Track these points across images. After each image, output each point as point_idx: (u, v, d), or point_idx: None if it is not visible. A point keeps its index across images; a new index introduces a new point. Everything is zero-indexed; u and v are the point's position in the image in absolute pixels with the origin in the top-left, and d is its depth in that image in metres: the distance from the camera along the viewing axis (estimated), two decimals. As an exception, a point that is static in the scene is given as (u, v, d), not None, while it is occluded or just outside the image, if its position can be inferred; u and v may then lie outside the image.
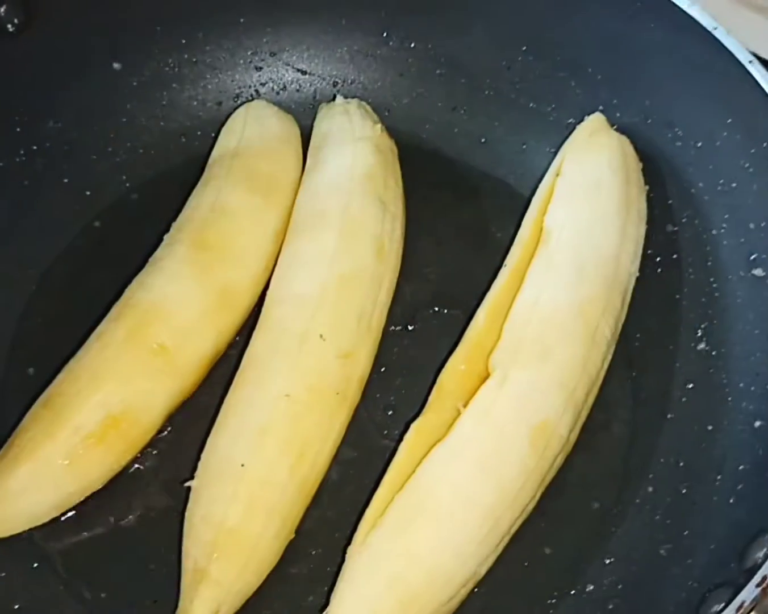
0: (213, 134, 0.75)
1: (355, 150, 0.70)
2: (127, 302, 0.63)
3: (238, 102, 0.77)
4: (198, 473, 0.59)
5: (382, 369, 0.66)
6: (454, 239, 0.73)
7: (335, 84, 0.78)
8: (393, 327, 0.68)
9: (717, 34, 0.65)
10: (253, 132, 0.72)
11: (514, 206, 0.72)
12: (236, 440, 0.59)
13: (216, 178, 0.69)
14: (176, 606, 0.56)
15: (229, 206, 0.67)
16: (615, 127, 0.71)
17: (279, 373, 0.60)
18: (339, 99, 0.75)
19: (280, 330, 0.62)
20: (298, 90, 0.78)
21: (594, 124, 0.71)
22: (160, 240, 0.67)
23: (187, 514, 0.58)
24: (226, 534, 0.56)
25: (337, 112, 0.73)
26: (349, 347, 0.62)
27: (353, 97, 0.75)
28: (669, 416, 0.64)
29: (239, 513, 0.57)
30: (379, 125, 0.72)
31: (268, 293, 0.66)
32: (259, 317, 0.65)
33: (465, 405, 0.59)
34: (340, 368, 0.62)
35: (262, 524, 0.57)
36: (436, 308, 0.69)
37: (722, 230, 0.66)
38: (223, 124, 0.74)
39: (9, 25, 0.69)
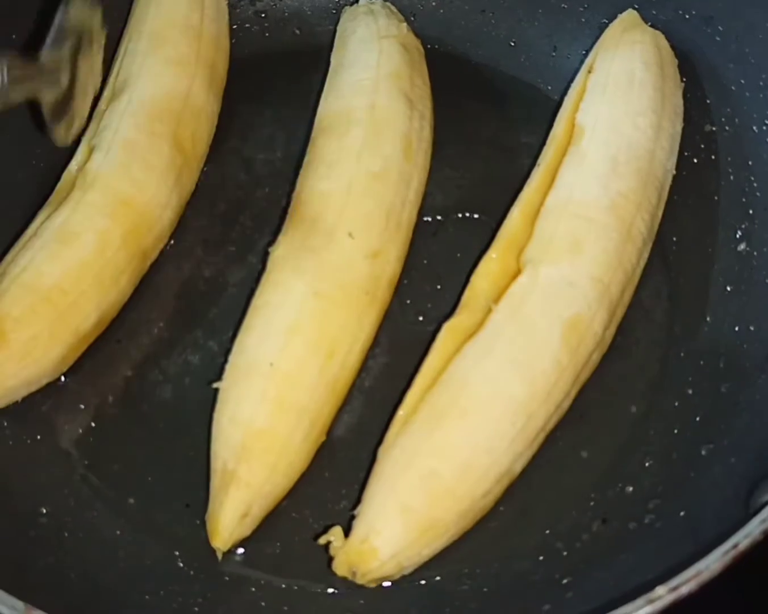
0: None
1: (380, 48, 0.68)
2: None
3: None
4: (225, 374, 0.58)
5: (413, 273, 0.64)
6: (483, 145, 0.71)
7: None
8: (423, 232, 0.66)
9: None
10: None
11: (545, 110, 0.70)
12: (264, 340, 0.58)
13: None
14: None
15: None
16: (649, 24, 0.68)
17: (307, 271, 0.59)
18: (363, 0, 0.73)
19: (307, 229, 0.61)
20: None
21: (627, 20, 0.69)
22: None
23: (215, 416, 0.57)
24: (254, 435, 0.55)
25: (360, 13, 0.71)
26: (378, 246, 0.61)
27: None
28: (708, 318, 0.63)
29: (268, 413, 0.56)
30: (404, 24, 0.70)
31: (295, 193, 0.64)
32: (286, 217, 0.63)
33: (497, 303, 0.58)
34: (369, 268, 0.60)
35: (292, 425, 0.56)
36: (466, 213, 0.68)
37: (764, 128, 0.64)
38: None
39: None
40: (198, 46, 0.67)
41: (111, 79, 0.66)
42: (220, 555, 0.55)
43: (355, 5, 0.73)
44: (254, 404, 0.56)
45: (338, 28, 0.72)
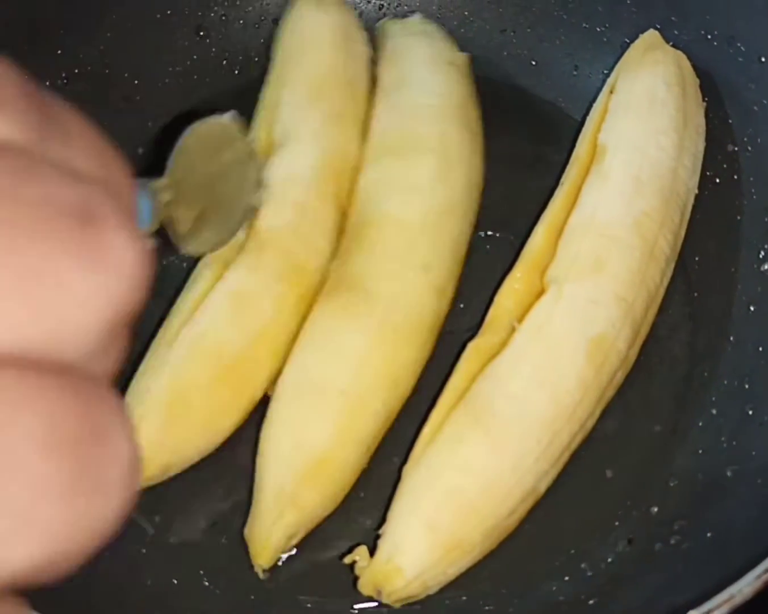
0: (257, 59, 0.73)
1: (448, 76, 0.67)
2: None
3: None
4: (281, 389, 0.57)
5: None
6: (505, 164, 0.70)
7: (380, 7, 0.76)
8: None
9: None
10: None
11: (567, 129, 0.70)
12: (332, 365, 0.57)
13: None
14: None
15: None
16: (671, 44, 0.68)
17: (382, 299, 0.58)
18: (417, 16, 0.72)
19: (381, 254, 0.60)
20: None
21: (648, 40, 0.69)
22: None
23: (270, 431, 0.56)
24: (318, 463, 0.55)
25: (416, 31, 0.70)
26: (446, 283, 0.61)
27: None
28: (731, 338, 0.63)
29: (334, 441, 0.55)
30: (466, 54, 0.70)
31: (356, 211, 0.63)
32: (347, 232, 0.62)
33: (520, 322, 0.58)
34: (437, 303, 0.60)
35: (354, 454, 0.56)
36: (489, 232, 0.68)
37: (786, 148, 0.64)
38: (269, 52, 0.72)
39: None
40: (353, 100, 0.66)
41: (263, 127, 0.65)
42: (262, 573, 0.55)
43: (404, 21, 0.72)
44: (322, 432, 0.55)
45: (385, 40, 0.71)
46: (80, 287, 0.18)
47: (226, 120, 0.38)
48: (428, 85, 0.66)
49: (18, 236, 0.17)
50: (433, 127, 0.64)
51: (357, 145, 0.65)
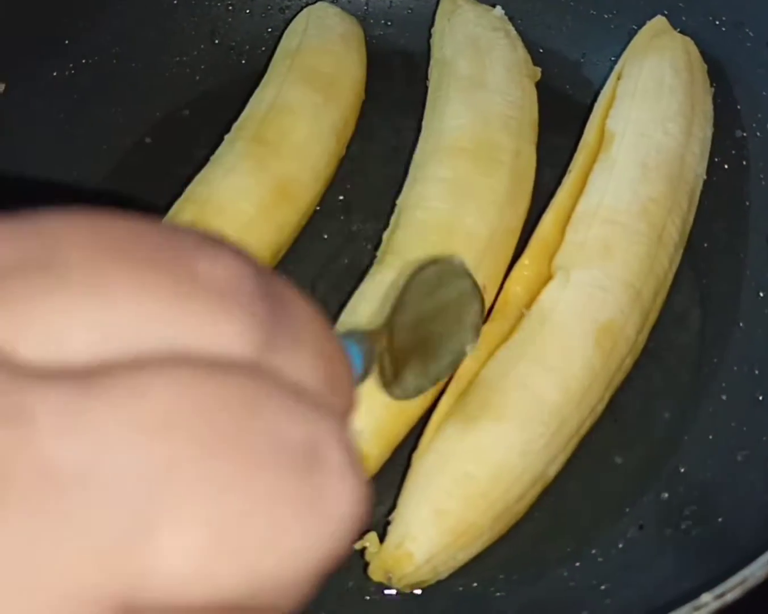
0: (264, 49, 0.73)
1: (528, 91, 0.67)
2: (187, 197, 0.62)
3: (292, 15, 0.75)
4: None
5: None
6: (513, 152, 0.71)
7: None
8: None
9: None
10: (315, 32, 0.70)
11: (574, 117, 0.70)
12: None
13: (276, 76, 0.67)
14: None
15: (289, 102, 0.65)
16: (678, 30, 0.68)
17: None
18: (499, 10, 0.71)
19: None
20: (349, 1, 0.76)
21: (656, 27, 0.69)
22: (211, 155, 0.65)
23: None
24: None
25: (498, 29, 0.69)
26: (490, 304, 0.60)
27: (410, 6, 0.73)
28: (740, 324, 0.62)
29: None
30: (539, 68, 0.70)
31: (421, 204, 0.62)
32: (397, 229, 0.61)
33: (528, 308, 0.58)
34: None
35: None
36: (497, 220, 0.68)
37: (795, 134, 0.64)
38: (277, 41, 0.72)
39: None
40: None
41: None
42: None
43: (485, 10, 0.71)
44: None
45: (444, 30, 0.69)
46: (295, 538, 0.16)
47: (455, 260, 0.35)
48: (510, 96, 0.66)
49: (237, 473, 0.16)
50: (510, 141, 0.64)
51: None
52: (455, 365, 0.34)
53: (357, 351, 0.23)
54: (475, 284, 0.34)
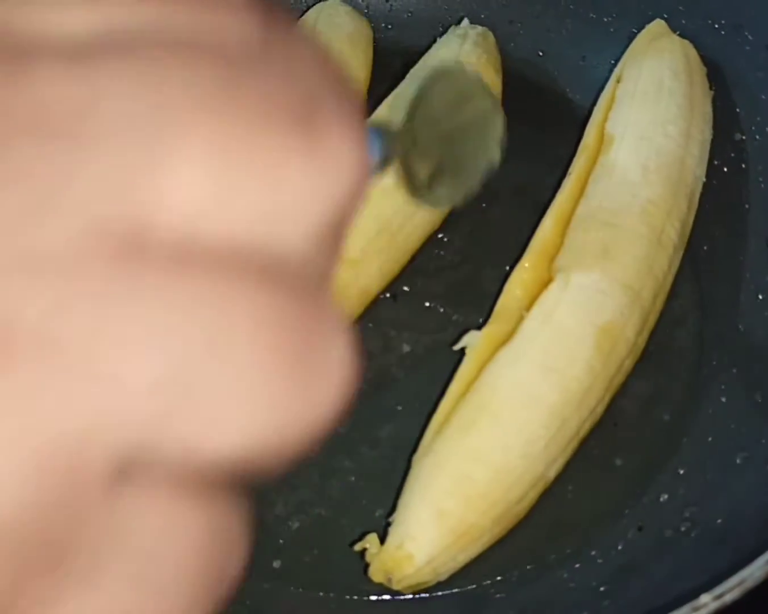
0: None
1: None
2: None
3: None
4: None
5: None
6: (513, 155, 0.70)
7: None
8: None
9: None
10: (323, 29, 0.70)
11: (574, 119, 0.70)
12: None
13: None
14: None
15: None
16: (678, 33, 0.68)
17: None
18: (465, 22, 0.72)
19: None
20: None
21: (655, 30, 0.69)
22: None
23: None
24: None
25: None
26: None
27: (410, 9, 0.74)
28: (740, 326, 0.63)
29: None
30: None
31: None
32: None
33: (528, 311, 0.58)
34: None
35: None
36: (496, 223, 0.68)
37: (794, 137, 0.64)
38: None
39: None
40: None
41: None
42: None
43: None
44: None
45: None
46: (300, 183, 0.16)
47: (472, 73, 0.35)
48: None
49: (236, 126, 0.16)
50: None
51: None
52: (485, 178, 0.35)
53: (374, 136, 0.23)
54: (493, 98, 0.35)
